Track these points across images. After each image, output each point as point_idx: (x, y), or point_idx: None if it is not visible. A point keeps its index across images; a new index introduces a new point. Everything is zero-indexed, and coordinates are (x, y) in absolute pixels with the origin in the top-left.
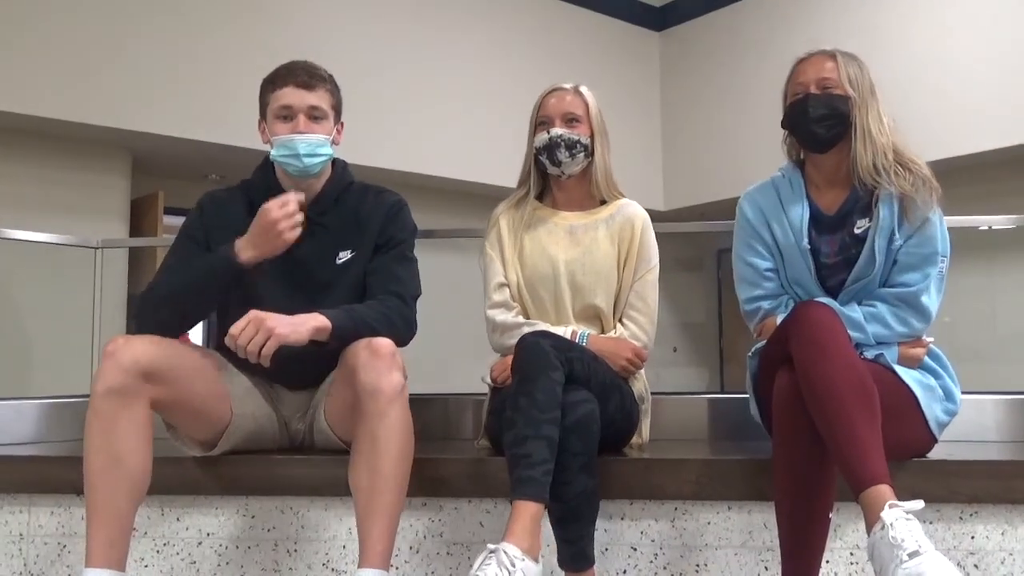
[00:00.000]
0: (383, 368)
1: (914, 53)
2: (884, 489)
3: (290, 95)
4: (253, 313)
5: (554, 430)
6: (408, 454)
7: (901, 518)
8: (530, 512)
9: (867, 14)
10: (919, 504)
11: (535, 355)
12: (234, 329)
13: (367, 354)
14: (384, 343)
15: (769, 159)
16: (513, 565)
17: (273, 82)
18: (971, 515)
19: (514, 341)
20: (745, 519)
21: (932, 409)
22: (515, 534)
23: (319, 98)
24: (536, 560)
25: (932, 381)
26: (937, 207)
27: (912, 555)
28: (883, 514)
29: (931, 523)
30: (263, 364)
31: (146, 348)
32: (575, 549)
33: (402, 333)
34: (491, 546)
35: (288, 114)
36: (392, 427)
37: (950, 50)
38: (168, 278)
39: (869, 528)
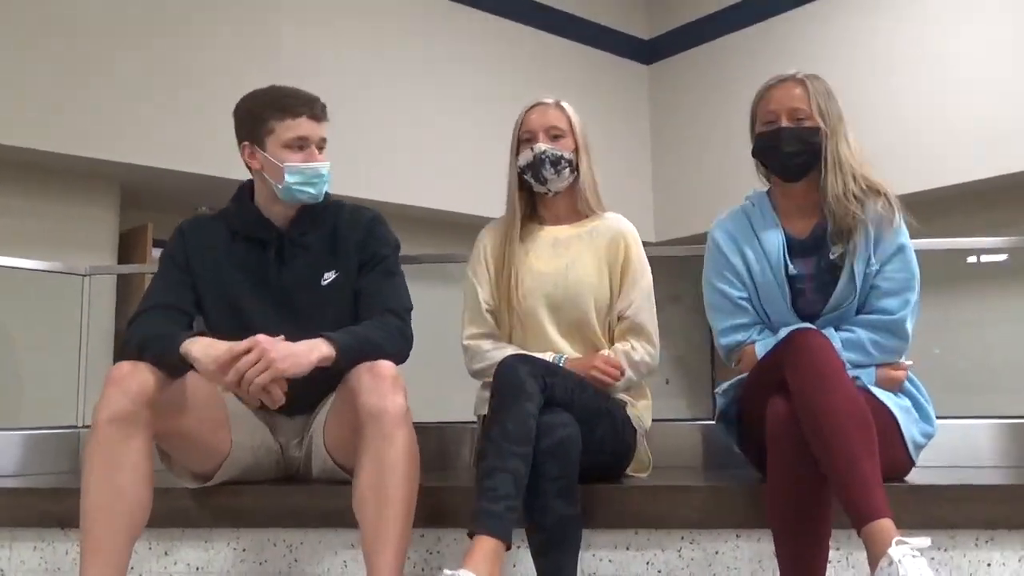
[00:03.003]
0: (386, 390)
1: (896, 84)
2: (887, 524)
3: (306, 127)
4: (257, 339)
5: (521, 464)
6: (415, 478)
7: (908, 555)
8: (488, 547)
9: (853, 46)
10: (926, 541)
11: (510, 381)
12: (239, 359)
13: (369, 377)
14: (386, 366)
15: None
16: None
17: (283, 110)
18: (987, 542)
19: (482, 365)
20: (755, 547)
21: (911, 431)
22: (471, 564)
23: (325, 129)
24: None
25: (908, 403)
26: (905, 231)
27: None
28: (891, 551)
29: (945, 550)
30: (260, 398)
31: (152, 375)
32: None
33: (404, 349)
34: (448, 572)
35: (303, 144)
36: (399, 451)
37: (932, 81)
38: (137, 332)
39: (874, 563)
